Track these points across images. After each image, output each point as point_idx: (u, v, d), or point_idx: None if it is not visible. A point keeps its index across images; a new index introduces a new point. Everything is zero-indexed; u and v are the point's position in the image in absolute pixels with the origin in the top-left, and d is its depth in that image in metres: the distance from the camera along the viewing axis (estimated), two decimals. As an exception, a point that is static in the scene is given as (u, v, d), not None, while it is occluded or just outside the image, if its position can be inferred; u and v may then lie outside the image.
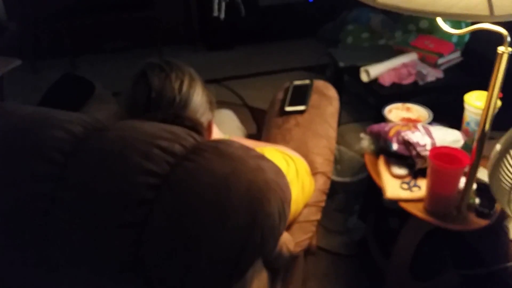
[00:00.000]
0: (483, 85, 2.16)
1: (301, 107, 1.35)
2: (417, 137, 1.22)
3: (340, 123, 2.17)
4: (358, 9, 3.14)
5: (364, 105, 2.58)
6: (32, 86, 3.17)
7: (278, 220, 0.68)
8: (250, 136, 1.60)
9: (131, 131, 0.73)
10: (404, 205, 1.20)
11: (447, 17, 0.83)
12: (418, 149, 1.20)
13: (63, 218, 0.69)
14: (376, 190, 1.64)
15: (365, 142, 1.38)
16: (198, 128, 0.86)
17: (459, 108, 2.03)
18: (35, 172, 0.71)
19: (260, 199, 0.65)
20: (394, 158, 1.29)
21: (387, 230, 1.69)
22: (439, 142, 1.22)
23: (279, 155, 1.07)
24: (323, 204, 1.21)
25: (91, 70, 3.36)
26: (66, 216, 0.69)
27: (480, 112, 1.27)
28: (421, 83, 2.01)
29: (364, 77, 2.05)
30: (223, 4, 1.26)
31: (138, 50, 3.58)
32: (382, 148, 1.33)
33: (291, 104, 1.38)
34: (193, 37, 3.66)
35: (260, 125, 2.55)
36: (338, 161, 1.90)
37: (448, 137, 1.24)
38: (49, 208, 0.70)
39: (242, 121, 2.61)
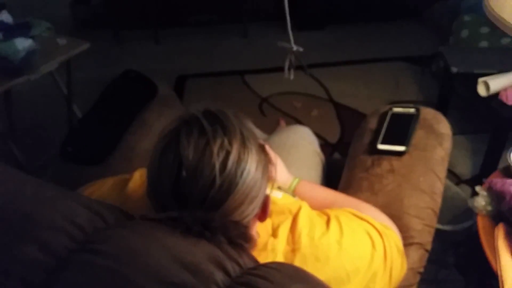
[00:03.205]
0: None
1: (400, 148, 1.04)
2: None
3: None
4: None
5: (476, 114, 2.14)
6: (115, 57, 3.09)
7: None
8: (330, 146, 1.30)
9: (128, 260, 0.49)
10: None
11: None
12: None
13: None
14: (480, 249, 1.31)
15: (481, 200, 1.05)
16: (240, 242, 0.59)
17: None
18: None
19: None
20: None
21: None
22: None
23: (361, 232, 0.79)
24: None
25: (174, 45, 3.21)
26: None
27: None
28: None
29: (481, 91, 1.65)
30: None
31: (223, 25, 3.36)
32: (503, 215, 1.00)
33: (386, 141, 1.07)
34: (281, 14, 3.34)
35: (344, 128, 2.24)
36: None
37: None
38: None
39: (325, 119, 2.33)
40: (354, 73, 2.71)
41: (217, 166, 0.58)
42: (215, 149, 0.59)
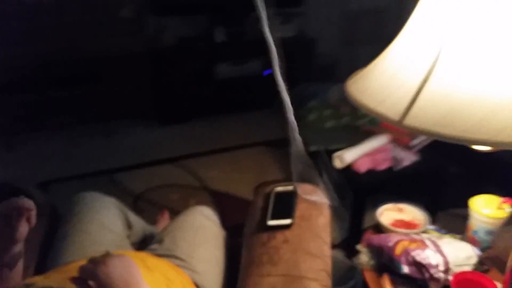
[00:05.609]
0: (463, 165, 2.09)
1: (287, 221, 1.16)
2: (429, 256, 1.05)
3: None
4: (318, 83, 3.09)
5: (342, 189, 2.40)
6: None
7: None
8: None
9: None
10: None
11: (494, 146, 0.69)
12: (432, 271, 1.04)
13: None
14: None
15: (364, 256, 1.20)
16: None
17: (436, 190, 1.93)
18: None
19: None
20: (401, 278, 1.11)
21: None
22: (452, 260, 1.07)
23: None
24: None
25: (30, 151, 3.04)
26: None
27: (490, 220, 1.14)
28: (396, 168, 1.90)
29: (337, 164, 1.91)
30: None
31: (86, 125, 3.31)
32: (385, 266, 1.15)
33: (274, 217, 1.19)
34: (145, 110, 3.44)
35: (224, 213, 2.32)
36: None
37: (461, 254, 1.09)
38: None
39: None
40: (222, 161, 2.88)
41: None
42: None
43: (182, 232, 1.25)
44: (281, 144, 2.91)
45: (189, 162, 2.84)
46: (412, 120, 0.79)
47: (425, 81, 0.82)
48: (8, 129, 3.06)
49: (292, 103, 3.33)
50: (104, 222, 1.30)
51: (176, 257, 1.17)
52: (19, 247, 0.99)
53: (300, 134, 2.24)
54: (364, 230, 1.56)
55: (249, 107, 3.53)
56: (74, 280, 0.84)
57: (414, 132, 0.79)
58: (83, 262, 1.07)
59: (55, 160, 2.92)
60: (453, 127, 0.74)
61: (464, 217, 1.30)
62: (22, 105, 3.12)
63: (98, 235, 1.27)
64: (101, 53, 3.17)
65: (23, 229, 0.95)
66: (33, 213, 0.96)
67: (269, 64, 3.40)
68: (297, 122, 2.94)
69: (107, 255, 0.83)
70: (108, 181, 2.68)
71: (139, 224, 1.44)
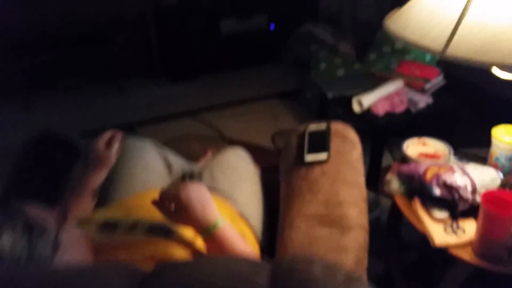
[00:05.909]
0: (473, 108, 2.18)
1: (323, 156, 1.25)
2: (458, 179, 1.16)
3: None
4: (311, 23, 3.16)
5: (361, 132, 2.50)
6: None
7: None
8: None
9: None
10: (453, 250, 1.14)
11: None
12: (461, 192, 1.15)
13: None
14: (395, 228, 1.58)
15: (394, 183, 1.30)
16: None
17: (450, 131, 2.02)
18: None
19: None
20: (431, 201, 1.21)
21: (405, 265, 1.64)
22: (478, 183, 1.17)
23: None
24: (366, 262, 1.10)
25: (45, 110, 3.10)
26: None
27: (511, 147, 1.23)
28: (413, 110, 1.99)
29: (356, 108, 1.99)
30: None
31: (97, 84, 3.36)
32: (415, 190, 1.25)
33: (310, 153, 1.27)
34: (154, 68, 3.49)
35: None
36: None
37: (486, 176, 1.19)
38: None
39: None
40: (237, 113, 2.96)
41: None
42: None
43: (221, 169, 1.34)
44: (292, 95, 3.01)
45: (204, 115, 2.92)
46: (454, 51, 0.87)
47: (463, 13, 0.89)
48: (24, 89, 3.12)
49: (298, 49, 3.35)
50: (147, 164, 1.37)
51: (218, 190, 1.25)
52: (104, 175, 1.09)
53: (318, 80, 2.30)
54: (385, 169, 1.66)
55: (256, 61, 3.57)
56: (155, 202, 0.93)
57: (457, 62, 0.86)
58: (136, 198, 1.17)
59: (71, 117, 2.99)
60: (492, 54, 0.82)
61: (479, 155, 1.39)
62: (36, 66, 3.15)
63: (142, 177, 1.33)
64: (108, 14, 3.19)
65: (116, 153, 1.11)
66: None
67: (273, 18, 3.44)
68: (308, 71, 2.98)
69: (186, 181, 0.91)
70: (128, 134, 2.76)
71: (178, 163, 1.50)
